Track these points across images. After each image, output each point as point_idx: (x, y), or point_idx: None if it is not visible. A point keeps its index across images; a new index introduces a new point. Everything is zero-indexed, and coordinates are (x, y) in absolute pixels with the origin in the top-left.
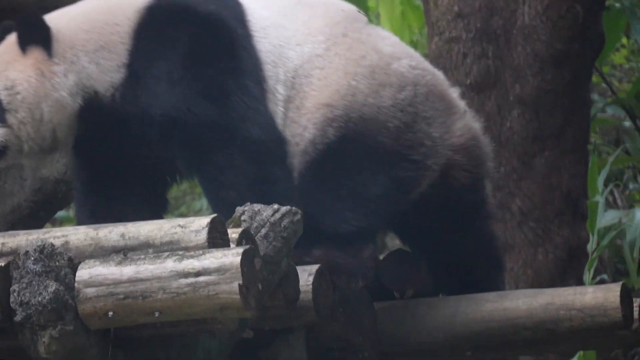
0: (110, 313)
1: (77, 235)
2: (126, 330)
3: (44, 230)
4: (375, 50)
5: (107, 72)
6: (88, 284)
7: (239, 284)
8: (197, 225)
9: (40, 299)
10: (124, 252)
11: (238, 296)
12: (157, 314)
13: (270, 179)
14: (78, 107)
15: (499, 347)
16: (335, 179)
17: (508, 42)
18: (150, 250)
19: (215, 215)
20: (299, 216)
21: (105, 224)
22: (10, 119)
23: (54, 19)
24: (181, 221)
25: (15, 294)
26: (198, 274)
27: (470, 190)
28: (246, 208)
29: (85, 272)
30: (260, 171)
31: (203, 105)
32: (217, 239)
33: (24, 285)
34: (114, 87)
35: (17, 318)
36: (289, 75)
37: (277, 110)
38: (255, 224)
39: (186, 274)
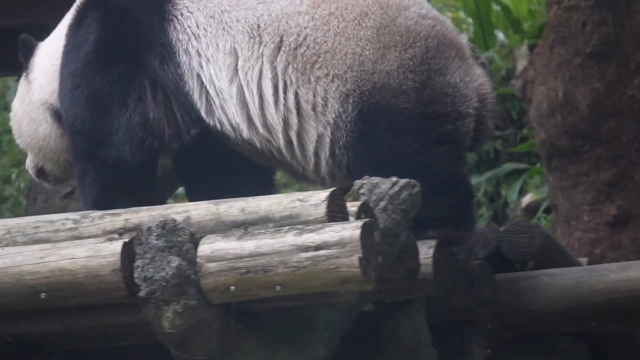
0: (232, 287)
1: (198, 210)
2: (247, 304)
3: (165, 206)
4: (378, 3)
5: (51, 80)
6: (210, 258)
7: (358, 257)
8: (316, 198)
9: (163, 274)
10: (244, 226)
11: (358, 269)
12: (278, 288)
13: (112, 202)
14: (51, 123)
15: (622, 318)
16: (384, 155)
17: (628, 9)
18: (270, 225)
19: (334, 188)
20: (417, 188)
21: (226, 199)
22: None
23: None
24: (300, 195)
25: (139, 269)
26: (318, 247)
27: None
28: (364, 181)
29: (206, 247)
30: (105, 191)
31: (81, 112)
32: (336, 212)
33: (147, 260)
34: (57, 98)
35: (141, 293)
36: (241, 37)
37: (223, 74)
38: (374, 197)
39: (306, 248)
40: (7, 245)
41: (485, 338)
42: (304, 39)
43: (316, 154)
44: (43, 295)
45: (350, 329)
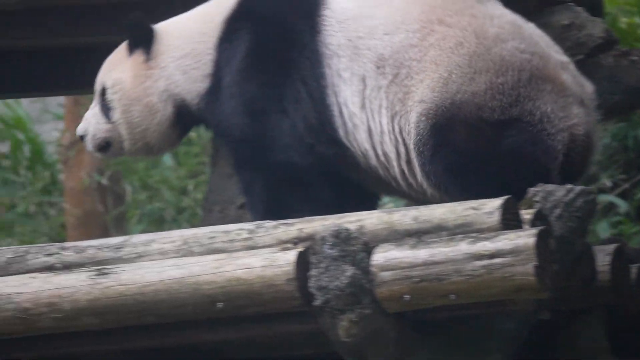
0: (406, 296)
1: (371, 219)
2: (422, 312)
3: (338, 215)
4: (475, 35)
5: (194, 82)
6: (384, 267)
7: (534, 265)
8: (490, 207)
9: (338, 283)
10: (417, 235)
11: (534, 277)
12: (452, 297)
13: (284, 206)
14: (169, 114)
15: None
16: (461, 164)
17: None
18: (444, 233)
19: (508, 196)
20: (592, 196)
21: (398, 208)
22: (114, 116)
23: (165, 24)
24: (474, 203)
25: (313, 278)
26: (492, 255)
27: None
28: (539, 189)
29: (380, 256)
30: (276, 197)
31: (240, 121)
32: (509, 220)
33: (322, 269)
34: (199, 97)
35: (316, 302)
36: (370, 66)
37: (350, 100)
38: (548, 205)
39: (480, 256)
40: (184, 255)
41: None
42: (411, 70)
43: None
44: (220, 304)
45: (527, 337)
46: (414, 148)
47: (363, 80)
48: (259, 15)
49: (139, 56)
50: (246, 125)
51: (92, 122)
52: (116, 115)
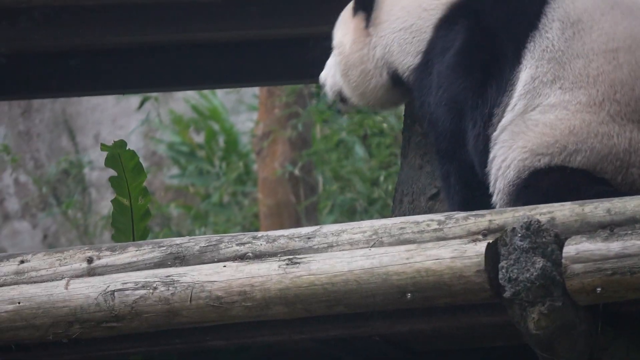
0: (598, 289)
1: (562, 211)
2: (615, 305)
3: (529, 207)
4: None
5: (407, 54)
6: (575, 259)
7: None
8: None
9: (528, 275)
10: (610, 227)
11: None
12: None
13: (475, 202)
14: (385, 81)
15: None
16: None
17: None
18: (637, 226)
19: None
20: None
21: (590, 200)
22: (337, 75)
23: None
24: None
25: (503, 270)
26: None
27: None
28: None
29: (572, 248)
30: (465, 194)
31: (442, 114)
32: None
33: (512, 261)
34: (409, 70)
35: (506, 294)
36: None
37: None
38: None
39: None
40: (374, 246)
41: None
42: None
43: None
44: (409, 295)
45: None
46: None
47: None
48: (481, 17)
49: (360, 21)
50: (447, 120)
51: (330, 74)
52: (338, 75)
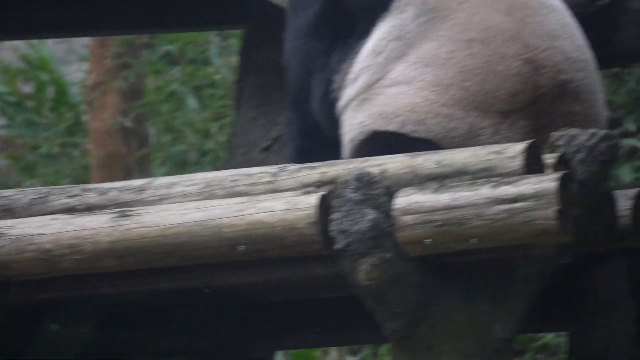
0: (428, 240)
1: (394, 163)
2: (444, 257)
3: (361, 159)
4: None
5: None
6: (405, 211)
7: (556, 210)
8: (513, 151)
9: (359, 227)
10: (440, 179)
11: (555, 222)
12: (473, 241)
13: (310, 154)
14: None
15: None
16: None
17: None
18: (466, 177)
19: (532, 140)
20: (616, 140)
21: (421, 152)
22: None
23: None
24: (497, 147)
25: (335, 222)
26: (514, 200)
27: None
28: (562, 133)
29: (402, 200)
30: (303, 144)
31: (293, 65)
32: (532, 164)
33: (344, 213)
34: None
35: (338, 246)
36: None
37: None
38: (571, 149)
39: (502, 201)
40: (206, 198)
41: None
42: None
43: None
44: (241, 247)
45: (548, 282)
46: None
47: None
48: None
49: None
50: (296, 74)
51: None
52: None
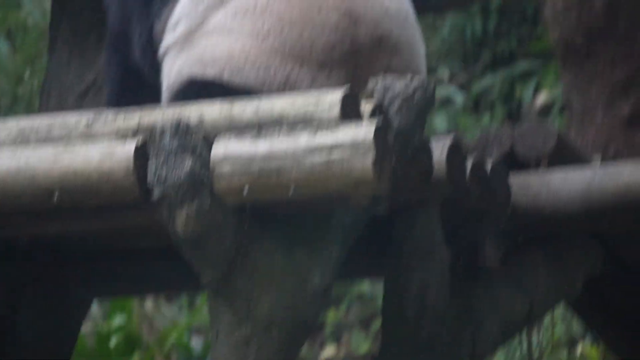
0: (245, 189)
1: (211, 111)
2: (262, 206)
3: (179, 105)
4: None
5: None
6: (223, 160)
7: (372, 159)
8: (330, 99)
9: (177, 175)
10: (258, 127)
11: (371, 171)
12: (291, 190)
13: (126, 97)
14: None
15: (637, 220)
16: None
17: None
18: (284, 126)
19: (348, 88)
20: (432, 87)
21: (240, 99)
22: None
23: None
24: (314, 96)
25: (152, 170)
26: (332, 148)
27: None
28: (378, 81)
29: (220, 148)
30: (120, 87)
31: (113, 11)
32: (349, 113)
33: (161, 161)
34: None
35: (155, 196)
36: None
37: None
38: (387, 98)
39: (320, 149)
40: (20, 144)
41: (499, 239)
42: None
43: None
44: (56, 196)
45: (364, 230)
46: None
47: None
48: None
49: None
50: (117, 20)
51: None
52: None
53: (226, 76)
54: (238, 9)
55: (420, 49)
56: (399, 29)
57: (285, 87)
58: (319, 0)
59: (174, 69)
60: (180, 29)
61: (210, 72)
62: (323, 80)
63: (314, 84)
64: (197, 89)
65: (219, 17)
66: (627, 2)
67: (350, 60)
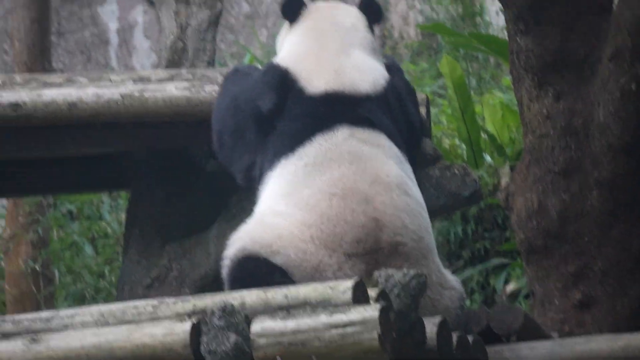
0: (278, 358)
1: (250, 297)
2: None
3: (224, 293)
4: None
5: None
6: (260, 335)
7: (378, 333)
8: (344, 287)
9: (224, 348)
10: (287, 309)
11: (377, 343)
12: (313, 358)
13: None
14: None
15: None
16: None
17: (586, 136)
18: (308, 307)
19: (358, 278)
20: (423, 278)
21: (272, 287)
22: None
23: None
24: (331, 284)
25: (204, 344)
26: (346, 325)
27: None
28: (382, 272)
29: (258, 326)
30: None
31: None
32: (359, 297)
33: (211, 337)
34: None
35: None
36: None
37: None
38: (389, 285)
39: (336, 326)
40: (101, 326)
41: None
42: None
43: None
44: None
45: None
46: None
47: None
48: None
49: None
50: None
51: None
52: None
53: (273, 255)
54: (296, 203)
55: (430, 262)
56: (413, 243)
57: (316, 270)
58: (353, 205)
59: (236, 238)
60: (263, 205)
61: (261, 248)
62: (348, 269)
63: (339, 271)
64: (249, 260)
65: (283, 205)
66: (574, 213)
67: (371, 256)
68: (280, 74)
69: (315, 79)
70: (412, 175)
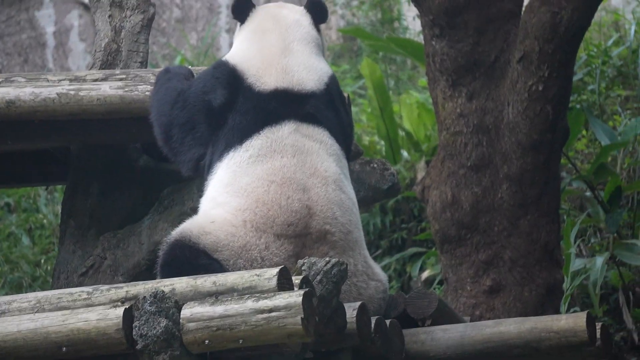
0: (207, 341)
1: (180, 284)
2: (218, 353)
3: (156, 280)
4: None
5: None
6: (190, 319)
7: (301, 318)
8: (269, 274)
9: (155, 332)
10: (215, 295)
11: (301, 327)
12: (240, 341)
13: None
14: None
15: None
16: None
17: (497, 134)
18: (235, 294)
19: (282, 266)
20: (344, 266)
21: (201, 275)
22: None
23: None
24: (257, 271)
25: (136, 328)
26: (271, 310)
27: None
28: (305, 260)
29: (187, 311)
30: None
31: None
32: (284, 284)
33: (143, 321)
34: None
35: (138, 347)
36: None
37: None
38: (312, 272)
39: (262, 311)
40: (37, 311)
41: None
42: None
43: None
44: (64, 349)
45: None
46: None
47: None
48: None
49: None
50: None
51: None
52: None
53: (202, 240)
54: (236, 191)
55: (355, 253)
56: (341, 235)
57: (243, 249)
58: (290, 192)
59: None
60: (208, 194)
61: (195, 236)
62: (275, 249)
63: (266, 251)
64: (180, 248)
65: (224, 195)
66: (486, 205)
67: (300, 239)
68: (229, 71)
69: (265, 76)
70: (347, 173)
